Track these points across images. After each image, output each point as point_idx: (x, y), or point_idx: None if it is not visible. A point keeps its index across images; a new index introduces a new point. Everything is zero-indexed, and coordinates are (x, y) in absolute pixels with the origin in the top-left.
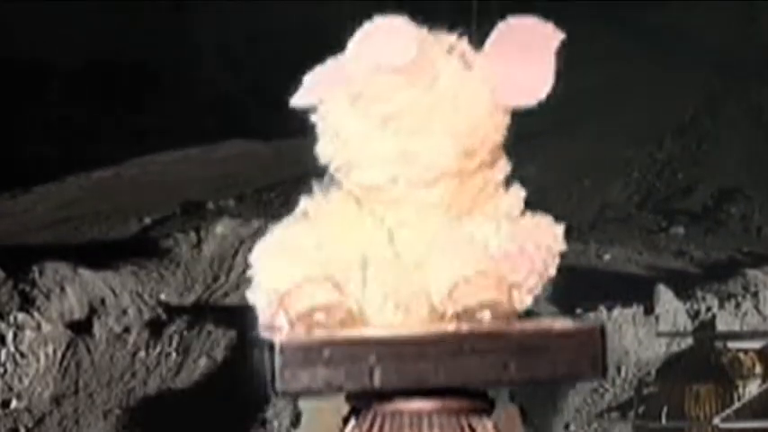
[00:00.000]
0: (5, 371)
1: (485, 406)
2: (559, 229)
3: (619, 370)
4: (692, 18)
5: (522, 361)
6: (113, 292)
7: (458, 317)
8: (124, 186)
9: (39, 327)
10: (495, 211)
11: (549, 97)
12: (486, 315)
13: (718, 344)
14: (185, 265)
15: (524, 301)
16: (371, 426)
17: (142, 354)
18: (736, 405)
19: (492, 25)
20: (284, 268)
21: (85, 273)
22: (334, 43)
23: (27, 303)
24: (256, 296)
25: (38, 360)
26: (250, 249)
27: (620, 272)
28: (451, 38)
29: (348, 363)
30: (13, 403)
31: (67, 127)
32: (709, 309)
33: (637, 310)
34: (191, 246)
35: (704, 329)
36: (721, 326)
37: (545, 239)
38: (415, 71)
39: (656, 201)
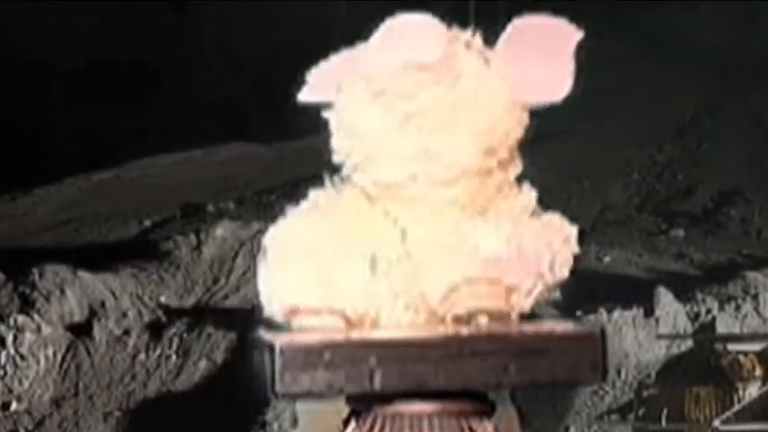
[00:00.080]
0: (5, 373)
1: (485, 408)
2: (572, 230)
3: (619, 372)
4: (692, 19)
5: (522, 364)
6: (113, 294)
7: (456, 320)
8: (124, 188)
9: (39, 329)
10: (510, 210)
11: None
12: (482, 319)
13: (718, 346)
14: (185, 268)
15: (523, 303)
16: (372, 428)
17: (142, 356)
18: (736, 407)
19: (487, 25)
20: (293, 281)
21: (85, 275)
22: (335, 44)
23: (27, 306)
24: (263, 294)
25: (38, 362)
26: (250, 252)
27: (620, 274)
28: (467, 34)
29: (348, 365)
30: (13, 405)
31: (68, 129)
32: (709, 311)
33: (637, 312)
34: (191, 248)
35: (704, 332)
36: (721, 328)
37: (554, 241)
38: (441, 69)
39: (655, 203)
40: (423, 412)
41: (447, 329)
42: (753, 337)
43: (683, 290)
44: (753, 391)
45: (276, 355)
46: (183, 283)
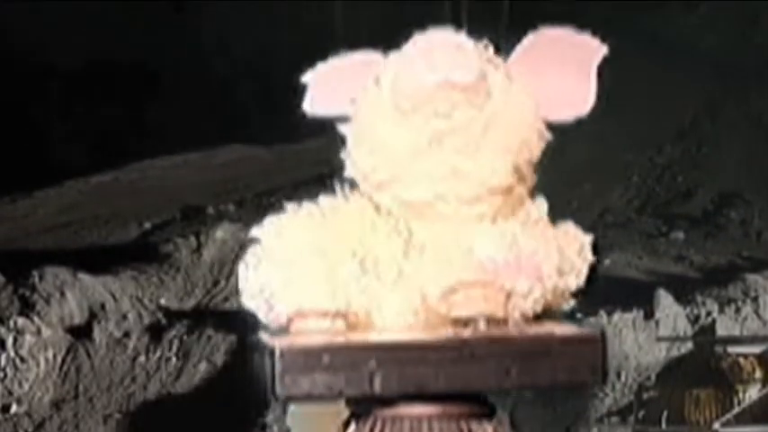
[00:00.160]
0: (5, 375)
1: (485, 411)
2: (586, 239)
3: (619, 374)
4: (692, 19)
5: (522, 366)
6: (113, 296)
7: (455, 323)
8: (124, 191)
9: (39, 331)
10: (527, 219)
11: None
12: (481, 322)
13: (718, 348)
14: (185, 270)
15: (523, 306)
16: (371, 431)
17: (142, 358)
18: (736, 410)
19: (482, 26)
20: (296, 284)
21: (85, 277)
22: (337, 45)
23: (27, 308)
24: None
25: (38, 365)
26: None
27: (620, 276)
28: (489, 49)
29: (348, 368)
30: (13, 408)
31: (68, 129)
32: (709, 313)
33: (637, 314)
34: (191, 250)
35: (704, 334)
36: (721, 330)
37: (566, 249)
38: (475, 88)
39: (655, 205)
40: (422, 415)
41: (447, 332)
42: (753, 340)
43: (683, 292)
44: (753, 393)
45: (276, 358)
46: (182, 285)
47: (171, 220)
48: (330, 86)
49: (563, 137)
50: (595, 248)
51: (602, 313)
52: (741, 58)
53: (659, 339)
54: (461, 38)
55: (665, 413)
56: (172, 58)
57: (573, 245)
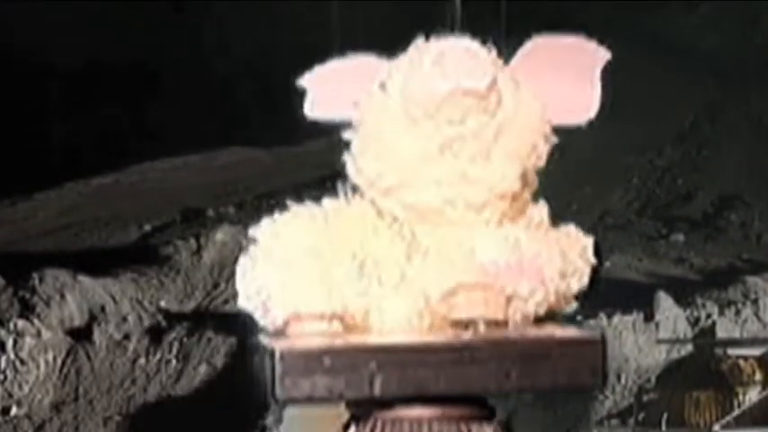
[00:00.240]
0: (5, 378)
1: (485, 413)
2: (588, 241)
3: (619, 377)
4: (692, 20)
5: (522, 369)
6: (113, 298)
7: (455, 325)
8: (124, 193)
9: (39, 334)
10: (529, 223)
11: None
12: (480, 326)
13: (718, 351)
14: (185, 272)
15: (525, 310)
16: None
17: (142, 360)
18: (736, 412)
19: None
20: (294, 286)
21: (85, 280)
22: (335, 46)
23: (27, 310)
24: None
25: (38, 367)
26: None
27: (620, 279)
28: (494, 53)
29: (348, 371)
30: (14, 410)
31: (68, 130)
32: (709, 316)
33: (637, 316)
34: (191, 253)
35: (704, 336)
36: (721, 333)
37: (568, 252)
38: (487, 95)
39: (655, 207)
40: (422, 417)
41: (447, 335)
42: (753, 342)
43: (683, 294)
44: (753, 395)
45: (276, 360)
46: (183, 287)
47: (171, 223)
48: (330, 90)
49: (563, 139)
50: (597, 250)
51: (603, 315)
52: (741, 58)
53: (659, 342)
54: (473, 44)
55: (665, 415)
56: (172, 58)
57: (575, 247)
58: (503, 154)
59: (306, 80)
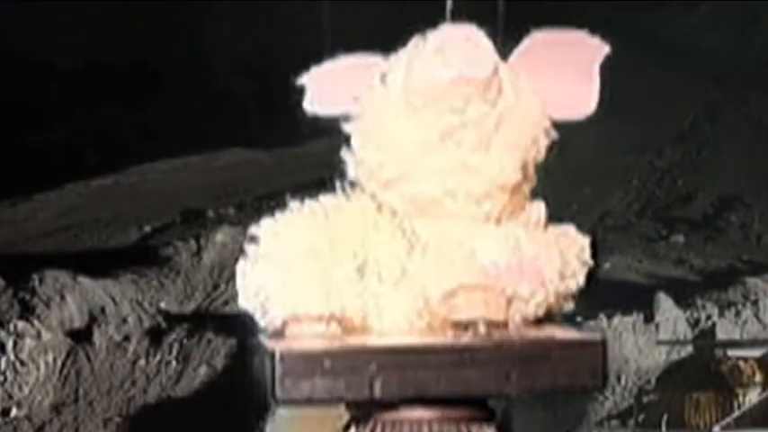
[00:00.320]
0: (5, 379)
1: (485, 414)
2: (585, 241)
3: (619, 378)
4: (692, 20)
5: (522, 371)
6: (113, 300)
7: (455, 327)
8: (124, 194)
9: (39, 335)
10: (523, 221)
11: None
12: (480, 327)
13: (718, 352)
14: (185, 274)
15: (526, 311)
16: None
17: (142, 362)
18: (736, 413)
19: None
20: (293, 287)
21: (85, 281)
22: (331, 45)
23: (27, 311)
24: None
25: (38, 368)
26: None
27: (620, 280)
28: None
29: (348, 372)
30: (13, 411)
31: (68, 130)
32: (709, 317)
33: (637, 318)
34: (191, 254)
35: (704, 338)
36: (721, 334)
37: (566, 251)
38: (488, 84)
39: (655, 209)
40: (423, 419)
41: (447, 337)
42: (753, 343)
43: (683, 296)
44: (753, 397)
45: (276, 362)
46: (183, 288)
47: (171, 224)
48: (330, 86)
49: (563, 140)
50: (594, 249)
51: (603, 317)
52: (741, 58)
53: (659, 343)
54: (475, 32)
55: (665, 416)
56: (172, 58)
57: (573, 247)
58: (503, 144)
59: (306, 78)
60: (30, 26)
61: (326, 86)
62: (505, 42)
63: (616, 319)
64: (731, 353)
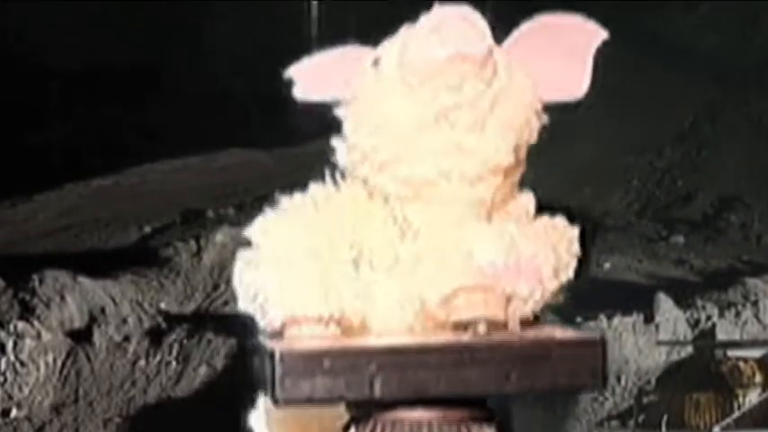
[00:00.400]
0: (5, 380)
1: (485, 415)
2: (574, 233)
3: (619, 378)
4: (692, 20)
5: (522, 370)
6: (113, 300)
7: (455, 327)
8: (124, 195)
9: (39, 335)
10: (513, 212)
11: (546, 104)
12: (481, 326)
13: (718, 352)
14: (185, 274)
15: (524, 310)
16: None
17: (142, 362)
18: (736, 414)
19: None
20: (291, 289)
21: (85, 281)
22: (316, 45)
23: (27, 312)
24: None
25: (38, 369)
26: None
27: (620, 280)
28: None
29: (348, 372)
30: (13, 412)
31: (68, 132)
32: (709, 317)
33: (637, 318)
34: (191, 254)
35: (704, 338)
36: (721, 335)
37: (557, 245)
38: (484, 62)
39: (655, 209)
40: (422, 419)
41: (447, 337)
42: (753, 344)
43: (683, 296)
44: (753, 397)
45: (276, 362)
46: (182, 289)
47: (171, 224)
48: (320, 73)
49: (563, 140)
50: (583, 239)
51: (602, 317)
52: (741, 58)
53: (659, 343)
54: (470, 12)
55: (666, 417)
56: (172, 58)
57: (563, 240)
58: (497, 125)
59: (294, 68)
60: (30, 26)
61: (316, 74)
62: (498, 38)
63: (616, 320)
64: (731, 353)
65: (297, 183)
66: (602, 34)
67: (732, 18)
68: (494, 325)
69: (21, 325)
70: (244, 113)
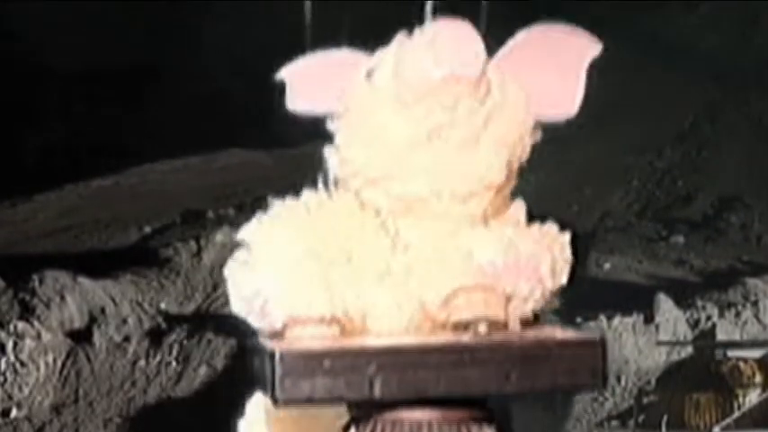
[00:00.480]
0: (5, 380)
1: (485, 415)
2: (566, 237)
3: (619, 379)
4: (692, 20)
5: (522, 370)
6: (113, 300)
7: (455, 327)
8: (124, 195)
9: (39, 336)
10: (508, 220)
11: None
12: (482, 326)
13: (718, 353)
14: (185, 274)
15: (523, 310)
16: None
17: (142, 362)
18: (736, 414)
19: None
20: (290, 289)
21: (85, 282)
22: (310, 45)
23: (27, 312)
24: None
25: (38, 369)
26: None
27: (620, 281)
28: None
29: (348, 372)
30: (14, 412)
31: (67, 132)
32: (709, 318)
33: (637, 318)
34: (191, 255)
35: (704, 338)
36: (721, 335)
37: (553, 247)
38: (479, 82)
39: (655, 209)
40: (422, 419)
41: (447, 337)
42: (753, 344)
43: (683, 296)
44: (753, 397)
45: (276, 362)
46: (183, 289)
47: (171, 225)
48: (312, 82)
49: (563, 141)
50: (574, 244)
51: (602, 317)
52: (741, 58)
53: (659, 343)
54: (466, 27)
55: (666, 417)
56: (172, 58)
57: (556, 245)
58: (491, 142)
59: (285, 73)
60: (30, 26)
61: (308, 84)
62: (494, 43)
63: (616, 320)
64: (731, 353)
65: (297, 183)
66: (596, 47)
67: (732, 18)
68: (494, 325)
69: (21, 325)
70: (244, 113)
